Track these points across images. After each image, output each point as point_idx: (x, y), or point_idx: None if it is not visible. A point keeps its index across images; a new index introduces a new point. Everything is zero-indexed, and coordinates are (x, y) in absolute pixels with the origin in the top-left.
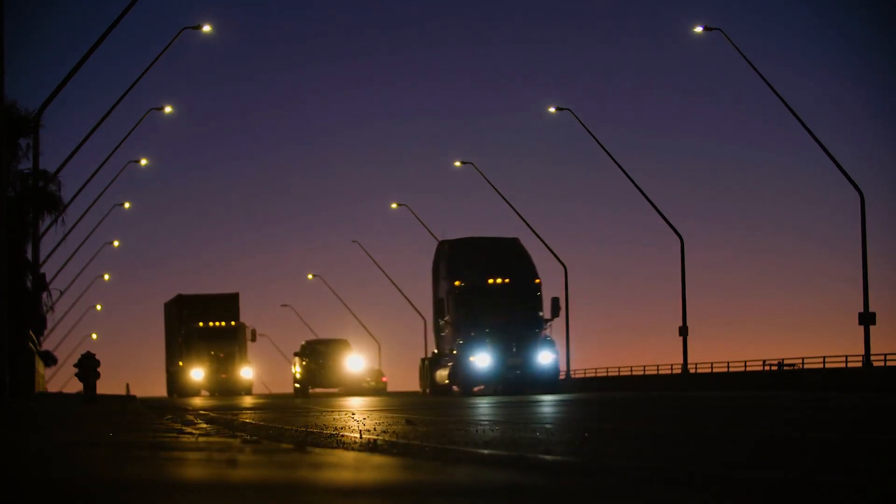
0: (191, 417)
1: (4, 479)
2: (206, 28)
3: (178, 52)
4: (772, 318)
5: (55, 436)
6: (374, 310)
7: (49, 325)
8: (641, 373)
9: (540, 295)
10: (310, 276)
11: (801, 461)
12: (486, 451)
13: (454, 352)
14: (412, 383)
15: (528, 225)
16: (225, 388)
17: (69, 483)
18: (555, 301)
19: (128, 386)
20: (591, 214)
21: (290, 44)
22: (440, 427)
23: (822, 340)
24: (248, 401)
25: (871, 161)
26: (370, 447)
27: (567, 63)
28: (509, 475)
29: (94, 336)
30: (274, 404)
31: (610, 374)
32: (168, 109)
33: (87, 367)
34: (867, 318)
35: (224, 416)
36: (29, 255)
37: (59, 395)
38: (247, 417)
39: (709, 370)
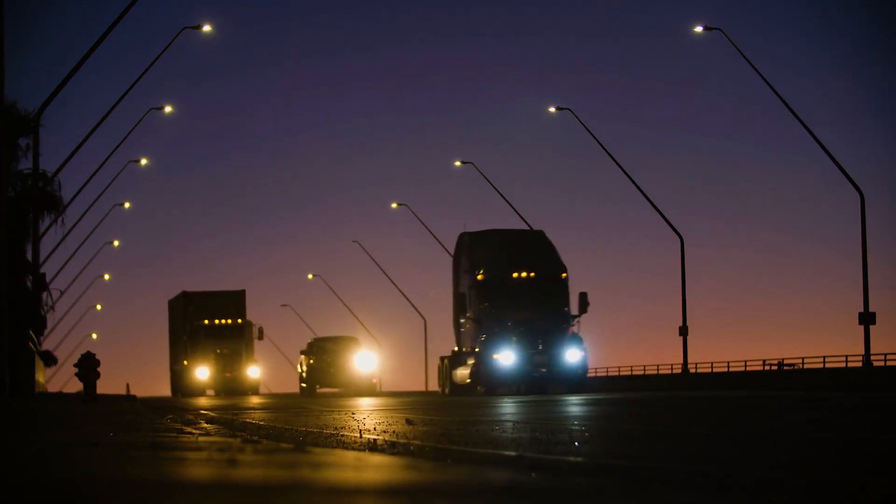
0: (191, 417)
1: (4, 479)
2: (207, 28)
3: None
4: (772, 318)
5: (55, 436)
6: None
7: (49, 325)
8: (642, 372)
9: (567, 290)
10: (310, 276)
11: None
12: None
13: (476, 349)
14: (413, 383)
15: (528, 225)
16: (231, 388)
17: (69, 483)
18: (582, 296)
19: (128, 386)
20: (592, 214)
21: (290, 43)
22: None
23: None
24: (254, 401)
25: (871, 161)
26: (370, 447)
27: (567, 63)
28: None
29: (95, 336)
30: (277, 404)
31: (610, 373)
32: (168, 109)
33: (88, 366)
34: (867, 318)
35: (224, 415)
36: (29, 256)
37: (59, 395)
38: (247, 417)
39: (709, 370)
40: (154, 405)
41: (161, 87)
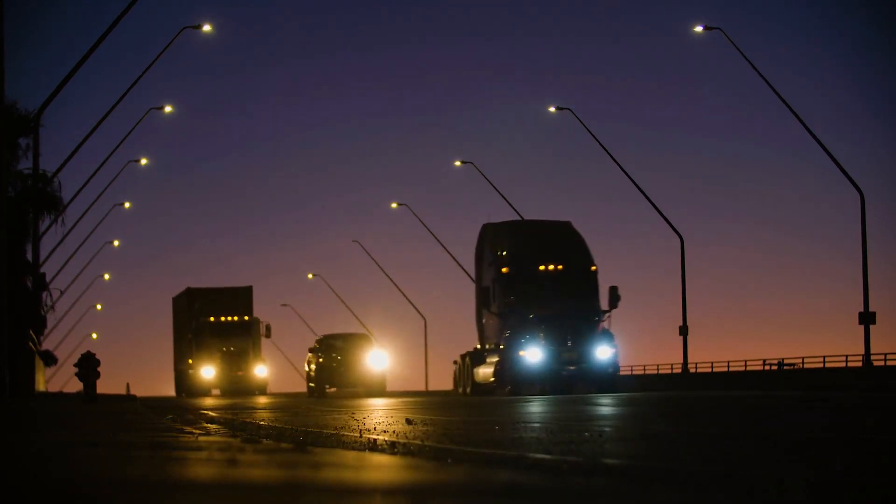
0: (192, 417)
1: (4, 479)
2: (207, 27)
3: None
4: (772, 318)
5: (55, 436)
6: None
7: (49, 325)
8: (642, 372)
9: (597, 283)
10: (310, 276)
11: None
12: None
13: (501, 346)
14: (414, 383)
15: None
16: (238, 387)
17: (69, 483)
18: (613, 290)
19: (128, 385)
20: (592, 213)
21: (291, 43)
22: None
23: (822, 340)
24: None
25: (871, 161)
26: (370, 447)
27: (567, 63)
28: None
29: (95, 336)
30: (282, 404)
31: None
32: (168, 109)
33: (88, 366)
34: (867, 318)
35: (225, 415)
36: (29, 255)
37: (59, 395)
38: (249, 417)
39: (709, 370)
40: (155, 405)
41: (161, 87)
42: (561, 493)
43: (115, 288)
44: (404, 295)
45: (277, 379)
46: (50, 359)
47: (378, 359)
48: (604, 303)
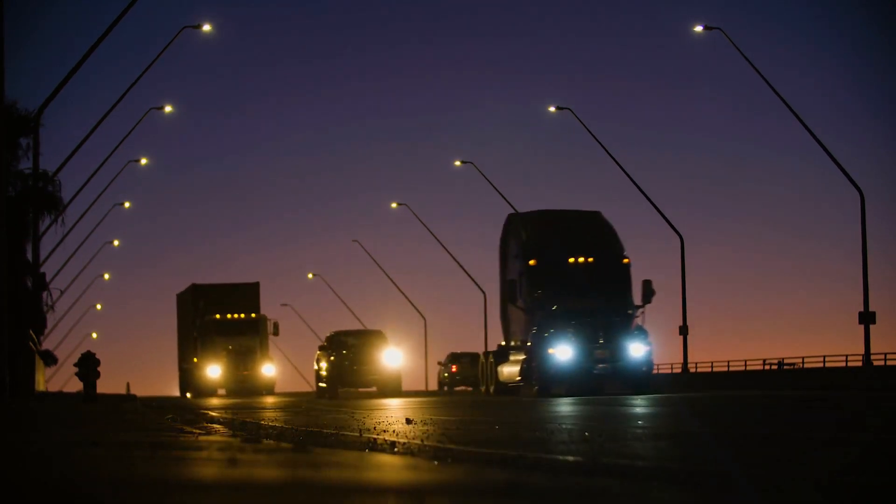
0: (192, 417)
1: (4, 479)
2: (207, 27)
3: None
4: (772, 318)
5: (55, 436)
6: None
7: (49, 324)
8: None
9: (629, 276)
10: (310, 276)
11: None
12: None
13: (528, 343)
14: (413, 383)
15: None
16: (244, 387)
17: (69, 483)
18: (646, 283)
19: (128, 385)
20: None
21: (290, 42)
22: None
23: (822, 340)
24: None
25: (871, 161)
26: (370, 446)
27: (567, 63)
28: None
29: (95, 335)
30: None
31: None
32: (168, 109)
33: (88, 366)
34: (867, 318)
35: (225, 415)
36: (29, 255)
37: (59, 394)
38: (249, 417)
39: (709, 370)
40: (154, 405)
41: (161, 86)
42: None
43: (115, 288)
44: (404, 295)
45: (279, 379)
46: (50, 359)
47: (393, 357)
48: (636, 297)
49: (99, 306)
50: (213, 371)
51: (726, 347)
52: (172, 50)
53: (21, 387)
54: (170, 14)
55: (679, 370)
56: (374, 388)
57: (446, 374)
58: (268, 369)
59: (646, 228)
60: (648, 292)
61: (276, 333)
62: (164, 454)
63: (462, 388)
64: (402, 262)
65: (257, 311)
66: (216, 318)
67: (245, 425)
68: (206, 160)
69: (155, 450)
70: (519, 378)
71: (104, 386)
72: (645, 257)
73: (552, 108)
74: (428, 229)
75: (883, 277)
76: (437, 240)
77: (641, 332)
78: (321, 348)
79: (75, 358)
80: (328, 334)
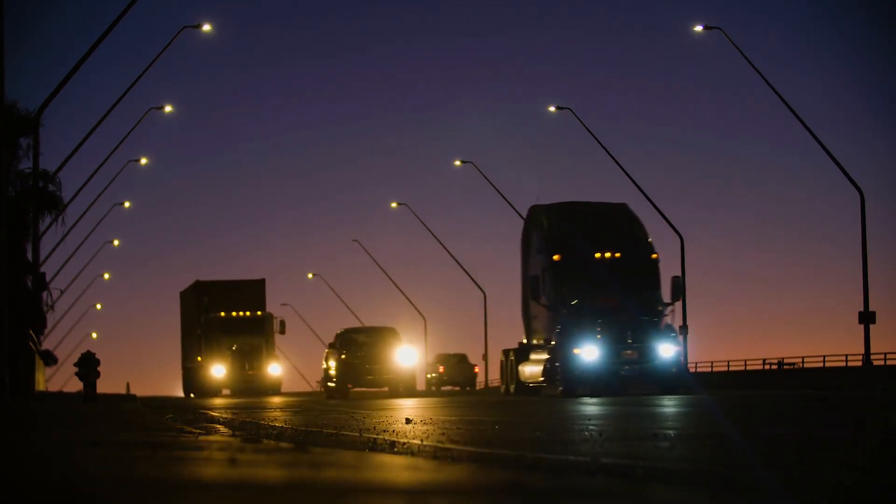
0: (192, 417)
1: (4, 479)
2: (206, 27)
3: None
4: (772, 318)
5: (55, 436)
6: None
7: (49, 324)
8: None
9: (658, 273)
10: (310, 276)
11: None
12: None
13: (552, 342)
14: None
15: None
16: (250, 387)
17: (69, 483)
18: (675, 281)
19: (128, 385)
20: None
21: (291, 42)
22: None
23: (822, 340)
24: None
25: (871, 161)
26: (370, 446)
27: (567, 62)
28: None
29: (95, 335)
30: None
31: None
32: (168, 109)
33: (88, 366)
34: (867, 317)
35: (226, 415)
36: (29, 255)
37: (59, 394)
38: (249, 417)
39: (709, 369)
40: (154, 405)
41: (161, 86)
42: None
43: (115, 287)
44: (404, 294)
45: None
46: (50, 358)
47: (407, 355)
48: (665, 295)
49: (99, 306)
50: (218, 371)
51: (726, 347)
52: (172, 50)
53: (21, 387)
54: (169, 14)
55: None
56: (385, 388)
57: (433, 375)
58: (274, 369)
59: (646, 228)
60: (678, 290)
61: (282, 332)
62: (163, 454)
63: (449, 388)
64: (402, 262)
65: (263, 308)
66: (221, 316)
67: (245, 425)
68: (206, 160)
69: (155, 450)
70: (542, 378)
71: (104, 386)
72: None
73: (552, 108)
74: (428, 229)
75: (883, 277)
76: (437, 239)
77: (671, 331)
78: (330, 346)
79: (75, 358)
80: (338, 331)
